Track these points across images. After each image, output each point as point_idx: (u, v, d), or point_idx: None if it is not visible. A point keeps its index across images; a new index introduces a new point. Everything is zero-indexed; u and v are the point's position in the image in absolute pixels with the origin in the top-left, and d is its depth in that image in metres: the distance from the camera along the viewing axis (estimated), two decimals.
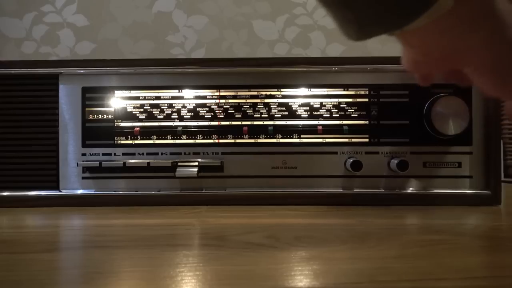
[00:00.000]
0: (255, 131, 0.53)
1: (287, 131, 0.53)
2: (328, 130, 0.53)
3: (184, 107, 0.54)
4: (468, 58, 0.30)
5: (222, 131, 0.53)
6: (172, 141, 0.53)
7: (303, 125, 0.53)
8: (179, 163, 0.53)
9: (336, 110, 0.53)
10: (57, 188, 0.53)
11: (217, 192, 0.53)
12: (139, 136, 0.53)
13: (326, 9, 0.29)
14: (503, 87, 0.31)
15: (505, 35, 0.29)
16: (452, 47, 0.30)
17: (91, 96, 0.54)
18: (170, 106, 0.54)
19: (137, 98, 0.54)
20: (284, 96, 0.53)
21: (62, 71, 0.54)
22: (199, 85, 0.54)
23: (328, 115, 0.53)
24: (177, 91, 0.54)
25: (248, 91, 0.54)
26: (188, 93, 0.54)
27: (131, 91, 0.54)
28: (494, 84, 0.31)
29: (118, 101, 0.54)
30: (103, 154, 0.54)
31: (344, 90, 0.53)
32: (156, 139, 0.54)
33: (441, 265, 0.26)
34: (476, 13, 0.27)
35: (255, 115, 0.53)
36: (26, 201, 0.52)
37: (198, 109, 0.54)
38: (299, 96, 0.53)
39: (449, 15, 0.26)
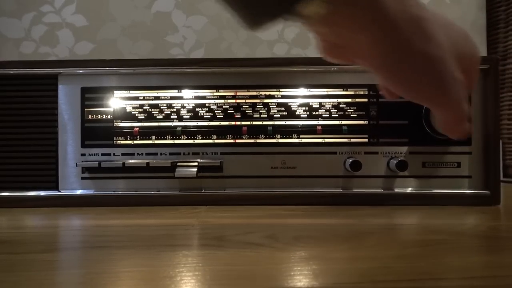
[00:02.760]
0: (254, 131, 0.53)
1: (287, 131, 0.53)
2: (328, 130, 0.53)
3: (183, 107, 0.54)
4: (360, 51, 0.30)
5: (221, 131, 0.53)
6: (171, 141, 0.53)
7: (303, 125, 0.53)
8: (178, 163, 0.53)
9: (335, 110, 0.53)
10: (56, 188, 0.53)
11: (217, 192, 0.53)
12: (138, 136, 0.53)
13: None
14: (393, 83, 0.30)
15: (391, 36, 0.28)
16: (346, 38, 0.30)
17: (90, 96, 0.54)
18: (169, 106, 0.54)
19: (136, 98, 0.54)
20: (283, 96, 0.54)
21: (61, 71, 0.54)
22: (198, 85, 0.54)
23: (327, 115, 0.53)
24: (176, 91, 0.54)
25: (247, 91, 0.54)
26: (187, 93, 0.54)
27: (130, 91, 0.54)
28: (384, 80, 0.31)
29: (117, 101, 0.54)
30: (102, 155, 0.53)
31: (343, 90, 0.53)
32: (156, 139, 0.54)
33: (441, 265, 0.26)
34: (362, 15, 0.27)
35: (254, 115, 0.53)
36: (25, 201, 0.52)
37: (197, 109, 0.54)
38: (298, 96, 0.53)
39: (331, 14, 0.26)
